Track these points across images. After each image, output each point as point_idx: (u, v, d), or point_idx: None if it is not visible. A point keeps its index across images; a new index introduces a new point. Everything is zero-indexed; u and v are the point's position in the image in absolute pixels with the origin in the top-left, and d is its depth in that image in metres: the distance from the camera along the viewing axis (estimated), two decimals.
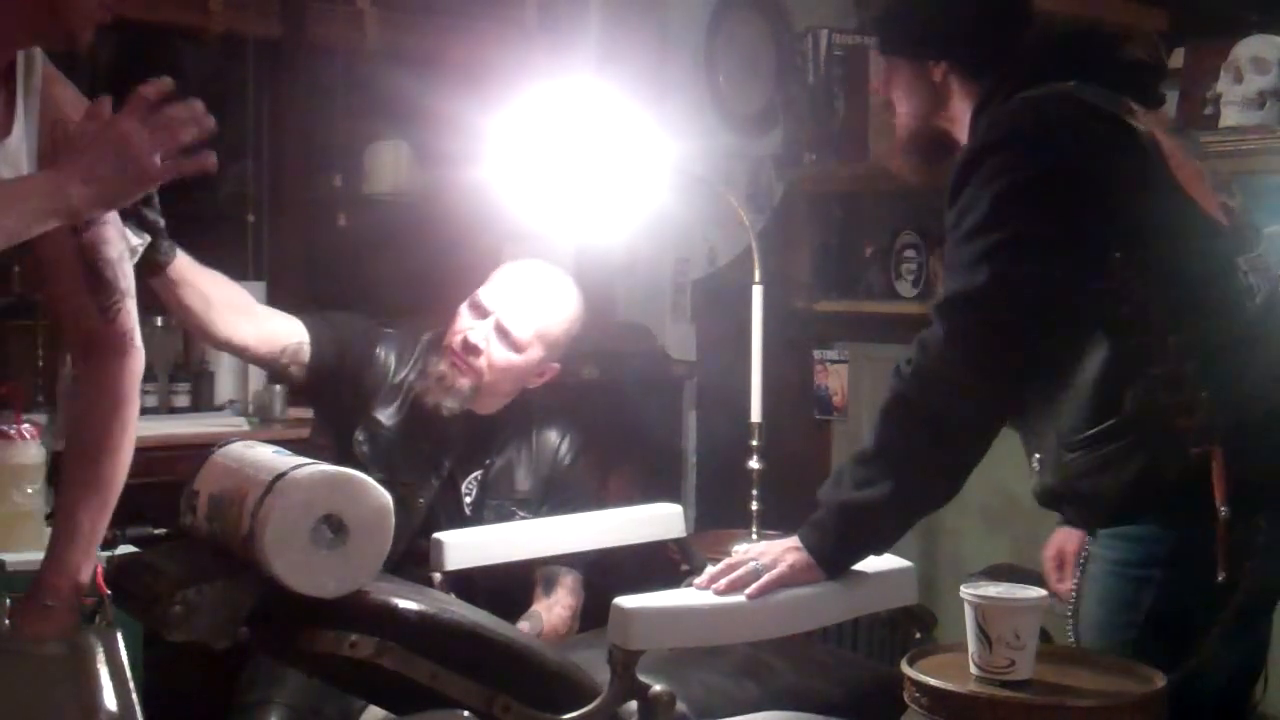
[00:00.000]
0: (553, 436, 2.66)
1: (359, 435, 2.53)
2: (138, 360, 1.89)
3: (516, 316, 2.53)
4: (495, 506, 2.57)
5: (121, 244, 1.86)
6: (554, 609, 2.51)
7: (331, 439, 2.55)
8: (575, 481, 2.66)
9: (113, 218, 1.84)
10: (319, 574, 1.66)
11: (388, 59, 3.69)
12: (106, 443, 1.86)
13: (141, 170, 1.56)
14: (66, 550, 1.84)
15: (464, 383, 2.51)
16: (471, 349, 2.51)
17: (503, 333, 2.52)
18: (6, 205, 1.52)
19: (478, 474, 2.58)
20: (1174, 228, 1.81)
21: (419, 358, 2.60)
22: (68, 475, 1.89)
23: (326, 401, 2.59)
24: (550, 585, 2.55)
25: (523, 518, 2.56)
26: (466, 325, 2.54)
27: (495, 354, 2.52)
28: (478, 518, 2.55)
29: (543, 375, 2.61)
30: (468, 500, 2.57)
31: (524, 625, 2.43)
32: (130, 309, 1.87)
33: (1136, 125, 1.82)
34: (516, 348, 2.53)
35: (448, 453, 2.56)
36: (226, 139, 3.75)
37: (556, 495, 2.62)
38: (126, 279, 1.86)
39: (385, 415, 2.55)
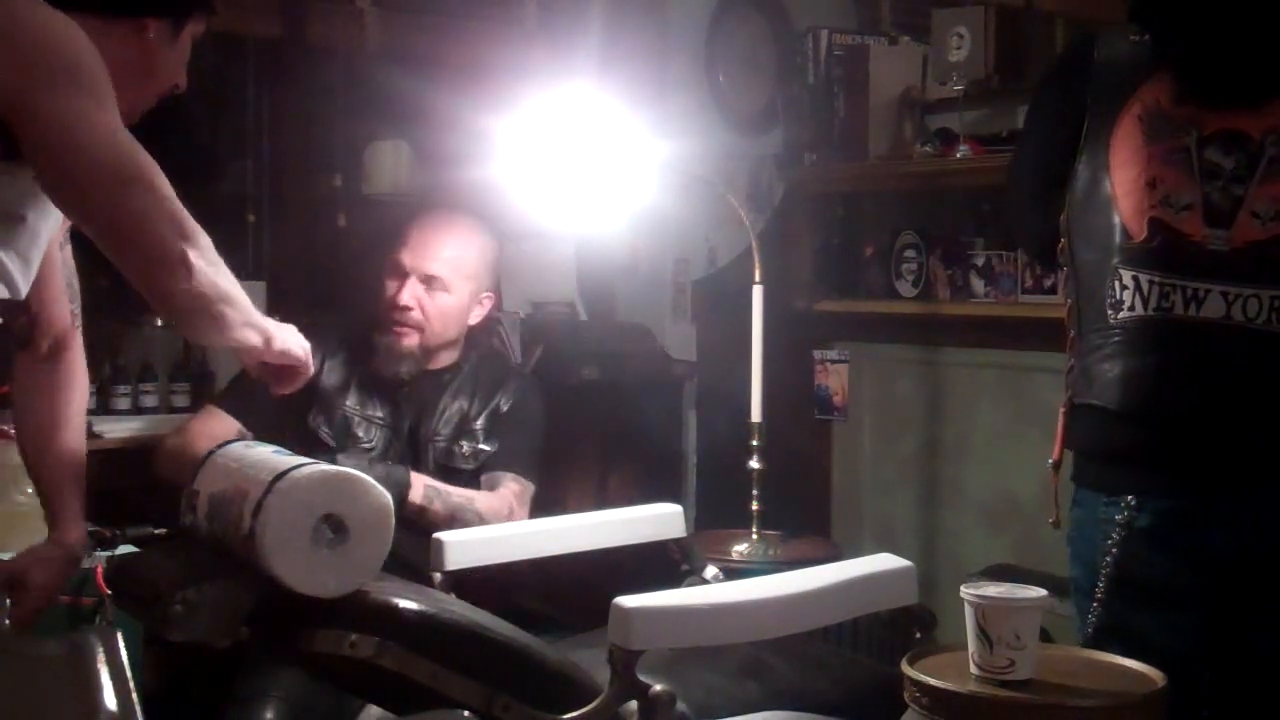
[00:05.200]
0: (498, 374, 2.82)
1: (316, 419, 2.67)
2: (84, 355, 2.13)
3: (430, 262, 2.69)
4: (448, 445, 2.70)
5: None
6: (491, 496, 2.64)
7: (286, 423, 2.67)
8: (518, 404, 2.79)
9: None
10: (319, 574, 1.66)
11: (388, 59, 3.69)
12: (76, 415, 2.09)
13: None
14: (63, 509, 2.04)
15: (410, 343, 2.67)
16: (402, 308, 2.66)
17: (426, 281, 2.68)
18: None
19: (439, 422, 2.71)
20: (1086, 204, 1.99)
21: (354, 333, 2.74)
22: (40, 448, 2.07)
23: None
24: (493, 486, 2.68)
25: (473, 448, 2.70)
26: (391, 290, 2.69)
27: (427, 305, 2.68)
28: (438, 462, 2.68)
29: (482, 307, 2.78)
30: (435, 448, 2.70)
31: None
32: (57, 311, 2.06)
33: (1127, 97, 1.94)
34: (443, 290, 2.68)
35: (405, 412, 2.71)
36: (226, 139, 3.76)
37: (502, 419, 2.75)
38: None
39: (333, 394, 2.69)
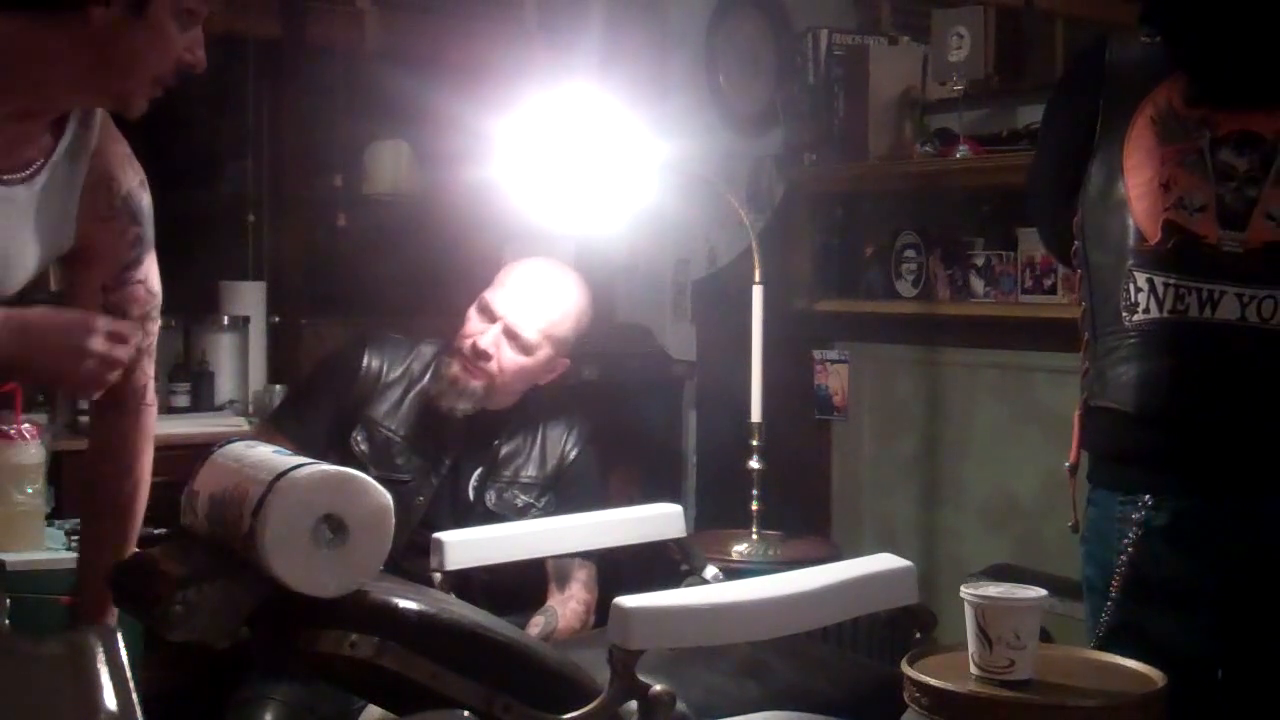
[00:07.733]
0: (560, 429, 2.69)
1: (356, 435, 2.57)
2: (149, 416, 1.96)
3: (524, 319, 2.56)
4: (498, 489, 2.60)
5: (150, 302, 1.90)
6: (568, 604, 2.53)
7: (333, 441, 2.58)
8: (580, 474, 2.69)
9: (147, 275, 1.87)
10: (319, 574, 1.65)
11: (388, 59, 3.70)
12: (120, 502, 1.93)
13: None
14: (93, 586, 1.89)
15: (476, 385, 2.55)
16: (481, 354, 2.54)
17: (511, 336, 2.56)
18: None
19: (483, 463, 2.61)
20: (1099, 207, 1.97)
21: (423, 358, 2.65)
22: (85, 528, 1.97)
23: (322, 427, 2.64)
24: (564, 580, 2.57)
25: (526, 502, 2.60)
26: (476, 330, 2.57)
27: (505, 357, 2.56)
28: (480, 502, 2.58)
29: (553, 371, 2.65)
30: (472, 488, 2.59)
31: (539, 619, 2.45)
32: (146, 368, 1.92)
33: (1142, 99, 1.93)
34: (526, 350, 2.56)
35: (450, 448, 2.59)
36: (226, 139, 3.77)
37: (562, 487, 2.65)
38: (147, 338, 1.90)
39: (381, 414, 2.59)
